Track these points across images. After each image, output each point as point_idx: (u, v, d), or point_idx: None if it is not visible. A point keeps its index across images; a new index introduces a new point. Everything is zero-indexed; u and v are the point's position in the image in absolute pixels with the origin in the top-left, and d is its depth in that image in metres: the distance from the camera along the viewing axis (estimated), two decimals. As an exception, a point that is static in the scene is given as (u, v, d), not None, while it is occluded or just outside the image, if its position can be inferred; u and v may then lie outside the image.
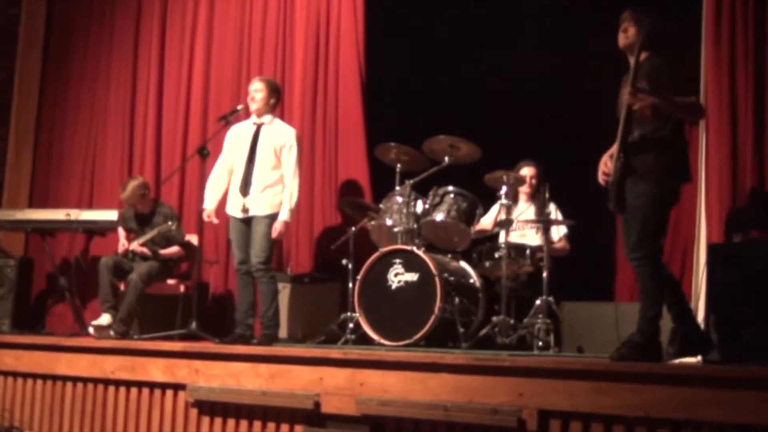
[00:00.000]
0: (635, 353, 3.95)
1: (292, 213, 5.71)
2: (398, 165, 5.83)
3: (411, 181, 5.60)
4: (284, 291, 6.09)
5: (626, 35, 4.25)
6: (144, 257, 6.19)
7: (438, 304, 5.12)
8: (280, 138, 5.74)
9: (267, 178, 5.68)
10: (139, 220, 6.36)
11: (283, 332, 5.98)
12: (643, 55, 4.18)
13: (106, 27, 7.89)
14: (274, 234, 5.60)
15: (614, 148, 4.31)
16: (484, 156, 5.70)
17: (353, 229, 5.84)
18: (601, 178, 4.31)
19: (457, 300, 5.29)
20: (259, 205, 5.66)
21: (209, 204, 5.85)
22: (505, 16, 6.87)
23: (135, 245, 6.16)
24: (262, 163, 5.70)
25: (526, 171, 6.05)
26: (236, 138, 5.88)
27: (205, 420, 4.85)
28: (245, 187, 5.69)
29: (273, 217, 5.62)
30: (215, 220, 5.87)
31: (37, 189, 8.02)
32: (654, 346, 4.05)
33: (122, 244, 6.29)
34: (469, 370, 4.08)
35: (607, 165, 4.27)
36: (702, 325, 4.30)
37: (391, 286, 5.33)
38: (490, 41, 6.88)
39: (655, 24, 4.17)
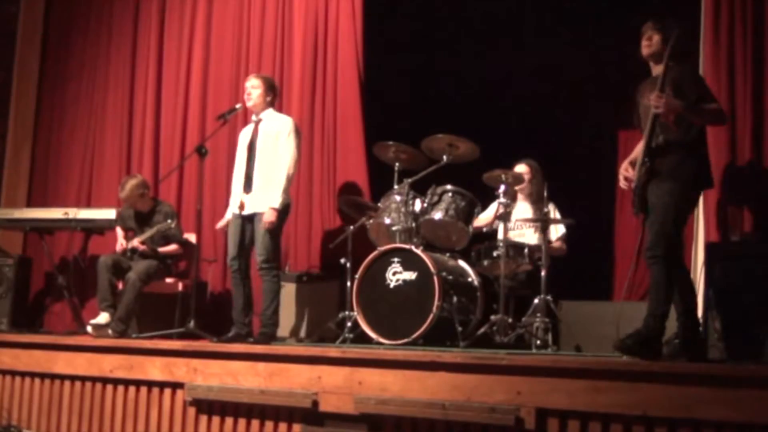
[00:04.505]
0: (638, 348, 3.97)
1: (285, 196, 5.57)
2: (397, 164, 5.82)
3: (409, 180, 5.59)
4: (282, 290, 6.08)
5: (650, 43, 4.28)
6: (143, 255, 6.18)
7: (436, 302, 5.11)
8: (276, 126, 5.70)
9: (268, 172, 5.62)
10: (138, 219, 6.35)
11: (283, 331, 5.98)
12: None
13: (105, 25, 7.88)
14: (263, 225, 5.50)
15: (633, 155, 4.40)
16: (482, 155, 5.69)
17: (351, 227, 5.83)
18: (622, 183, 4.39)
19: (455, 299, 5.29)
20: (261, 201, 5.60)
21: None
22: (505, 16, 6.87)
23: (135, 242, 6.15)
24: (261, 157, 5.66)
25: (520, 169, 6.02)
26: (242, 141, 5.88)
27: (203, 419, 4.85)
28: (247, 184, 5.66)
29: (275, 214, 5.60)
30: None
31: (36, 187, 8.01)
32: (656, 344, 4.06)
33: (120, 243, 6.29)
34: (467, 369, 4.08)
35: (628, 170, 4.33)
36: (701, 323, 4.32)
37: (389, 284, 5.32)
38: (489, 40, 6.88)
39: (681, 32, 4.18)
